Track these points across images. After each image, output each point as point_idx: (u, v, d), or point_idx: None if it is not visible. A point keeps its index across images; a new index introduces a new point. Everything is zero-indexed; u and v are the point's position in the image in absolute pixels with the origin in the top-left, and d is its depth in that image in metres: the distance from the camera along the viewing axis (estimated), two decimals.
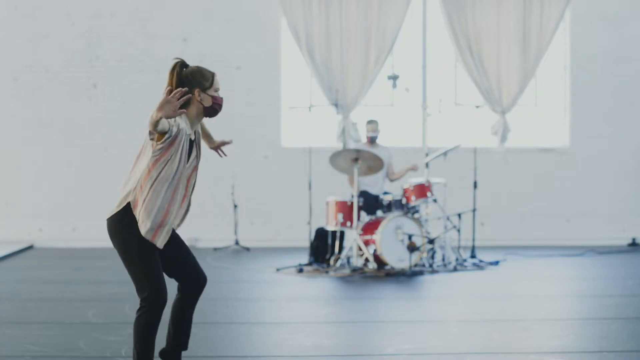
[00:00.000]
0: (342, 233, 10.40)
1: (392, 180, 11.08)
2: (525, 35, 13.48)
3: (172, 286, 4.58)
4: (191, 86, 4.38)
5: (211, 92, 4.43)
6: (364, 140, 11.09)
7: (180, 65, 4.44)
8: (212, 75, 4.46)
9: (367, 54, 13.34)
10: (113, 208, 4.39)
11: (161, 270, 4.42)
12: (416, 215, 10.27)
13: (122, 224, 4.39)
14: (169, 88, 4.19)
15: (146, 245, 4.37)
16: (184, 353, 4.74)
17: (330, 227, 10.28)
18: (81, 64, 13.31)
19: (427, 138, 13.60)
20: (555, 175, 13.78)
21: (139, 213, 4.33)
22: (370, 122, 10.88)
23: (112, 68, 13.33)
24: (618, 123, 13.78)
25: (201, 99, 4.41)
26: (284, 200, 13.39)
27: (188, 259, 4.58)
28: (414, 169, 10.88)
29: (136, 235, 4.36)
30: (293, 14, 13.28)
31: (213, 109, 4.46)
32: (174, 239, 4.52)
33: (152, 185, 4.32)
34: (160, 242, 4.38)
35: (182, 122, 4.34)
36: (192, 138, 4.45)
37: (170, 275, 4.58)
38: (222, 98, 4.49)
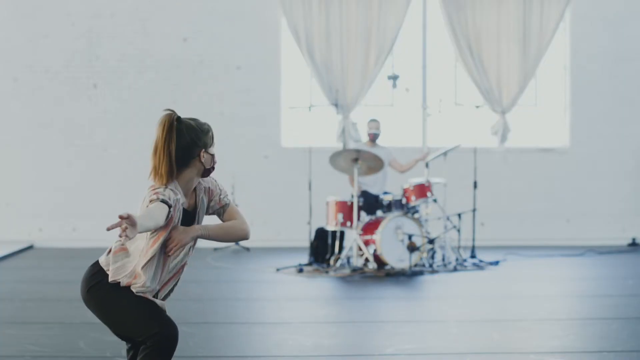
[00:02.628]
0: (342, 233, 10.40)
1: (402, 172, 11.08)
2: (525, 35, 13.48)
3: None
4: (195, 146, 3.66)
5: (212, 150, 3.72)
6: (364, 139, 11.09)
7: (178, 120, 3.65)
8: (210, 128, 3.74)
9: (367, 54, 13.34)
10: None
11: None
12: (416, 215, 10.26)
13: None
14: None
15: None
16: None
17: (330, 227, 10.28)
18: (81, 64, 13.31)
19: (427, 138, 13.60)
20: (555, 175, 13.78)
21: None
22: (372, 120, 10.89)
23: (112, 68, 13.32)
24: (618, 123, 13.78)
25: (204, 159, 3.69)
26: (284, 200, 13.39)
27: None
28: (422, 159, 10.86)
29: None
30: (293, 14, 13.28)
31: (210, 170, 3.76)
32: None
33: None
34: None
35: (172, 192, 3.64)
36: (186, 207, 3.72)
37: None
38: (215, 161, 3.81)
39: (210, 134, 3.72)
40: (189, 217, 3.72)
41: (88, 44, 13.32)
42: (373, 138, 10.82)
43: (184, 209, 3.66)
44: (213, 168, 3.75)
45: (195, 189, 3.75)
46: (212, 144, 3.71)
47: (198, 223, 3.76)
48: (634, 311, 7.52)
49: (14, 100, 13.31)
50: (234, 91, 13.31)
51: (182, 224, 3.67)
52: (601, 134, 13.77)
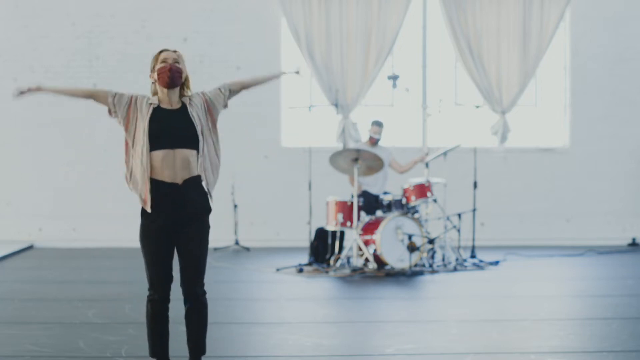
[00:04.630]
0: (342, 233, 10.39)
1: (401, 173, 11.07)
2: (525, 35, 13.48)
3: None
4: (150, 70, 4.74)
5: (157, 67, 4.66)
6: (364, 139, 11.07)
7: None
8: (159, 52, 4.73)
9: (367, 54, 13.34)
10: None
11: None
12: (416, 215, 10.26)
13: None
14: None
15: None
16: (184, 353, 4.75)
17: (330, 227, 10.28)
18: (81, 64, 13.31)
19: (427, 138, 13.60)
20: (555, 175, 13.78)
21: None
22: (377, 124, 10.78)
23: (112, 68, 13.33)
24: (618, 123, 13.78)
25: (154, 78, 4.70)
26: (284, 200, 13.39)
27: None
28: (422, 160, 10.84)
29: None
30: (293, 14, 13.28)
31: (162, 79, 4.63)
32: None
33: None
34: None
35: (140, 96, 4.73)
36: (170, 107, 4.66)
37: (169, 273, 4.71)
38: (166, 65, 4.64)
39: (155, 58, 4.71)
40: (174, 115, 4.62)
41: (88, 44, 13.32)
42: (374, 142, 10.78)
43: (164, 109, 4.63)
44: (162, 77, 4.62)
45: (182, 99, 4.70)
46: (155, 63, 4.69)
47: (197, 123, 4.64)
48: (634, 311, 7.52)
49: (14, 100, 13.29)
50: None
51: (168, 120, 4.57)
52: (601, 134, 13.77)
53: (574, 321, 7.12)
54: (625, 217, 13.79)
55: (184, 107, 4.65)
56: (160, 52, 4.70)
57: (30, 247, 12.98)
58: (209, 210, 4.67)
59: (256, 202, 13.27)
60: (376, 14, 13.33)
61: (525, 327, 6.72)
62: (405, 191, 10.35)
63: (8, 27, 13.29)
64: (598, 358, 5.57)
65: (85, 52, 13.30)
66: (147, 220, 4.55)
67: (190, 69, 4.88)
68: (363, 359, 5.69)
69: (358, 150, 10.14)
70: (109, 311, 7.30)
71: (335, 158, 10.27)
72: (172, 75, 4.60)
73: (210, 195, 4.66)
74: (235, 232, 12.88)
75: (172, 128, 4.55)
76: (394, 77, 12.24)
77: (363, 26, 13.35)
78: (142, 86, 14.00)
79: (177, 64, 4.65)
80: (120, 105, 4.61)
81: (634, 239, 13.62)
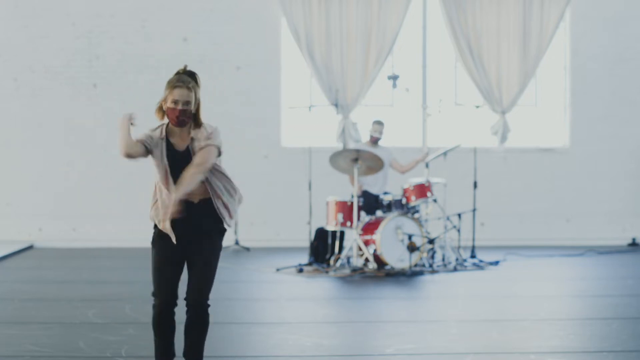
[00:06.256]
0: (342, 233, 10.39)
1: (402, 173, 11.07)
2: (525, 35, 13.49)
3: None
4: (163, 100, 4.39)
5: (168, 103, 4.34)
6: (365, 139, 11.07)
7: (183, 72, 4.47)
8: (172, 85, 4.33)
9: (367, 54, 13.34)
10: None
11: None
12: (416, 215, 10.26)
13: None
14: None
15: None
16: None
17: (330, 227, 10.28)
18: (81, 64, 13.31)
19: (427, 138, 13.60)
20: (555, 175, 13.78)
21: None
22: (378, 123, 10.77)
23: (112, 68, 13.33)
24: (618, 123, 13.78)
25: (165, 108, 4.39)
26: (284, 200, 13.39)
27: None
28: (423, 160, 10.83)
29: None
30: (293, 14, 13.28)
31: (170, 119, 4.37)
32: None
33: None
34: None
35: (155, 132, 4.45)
36: (179, 146, 4.43)
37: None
38: (176, 110, 4.32)
39: (167, 90, 4.32)
40: (180, 156, 4.36)
41: (88, 44, 13.32)
42: (375, 141, 10.77)
43: (174, 149, 4.38)
44: (174, 116, 4.31)
45: (192, 135, 4.40)
46: (166, 97, 4.32)
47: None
48: (634, 311, 7.53)
49: (14, 100, 13.31)
50: (234, 91, 13.31)
51: (173, 161, 4.34)
52: (601, 134, 13.77)
53: (574, 321, 7.13)
54: (625, 217, 13.79)
55: (188, 149, 4.41)
56: (174, 87, 4.31)
57: (30, 247, 12.98)
58: (222, 231, 4.52)
59: (256, 202, 13.25)
60: (376, 14, 13.33)
61: (525, 327, 6.72)
62: (405, 191, 10.35)
63: (8, 27, 13.28)
64: (598, 358, 5.58)
65: (85, 52, 13.30)
66: (161, 233, 4.43)
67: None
68: (363, 359, 5.69)
69: (358, 151, 10.14)
70: (109, 311, 7.30)
71: (335, 158, 10.27)
72: (179, 121, 4.33)
73: (230, 217, 4.51)
74: (235, 232, 12.88)
75: (179, 170, 4.35)
76: (394, 77, 12.25)
77: (363, 26, 13.35)
78: (142, 86, 14.15)
79: (186, 106, 4.32)
80: (151, 148, 4.40)
81: (634, 239, 13.61)
